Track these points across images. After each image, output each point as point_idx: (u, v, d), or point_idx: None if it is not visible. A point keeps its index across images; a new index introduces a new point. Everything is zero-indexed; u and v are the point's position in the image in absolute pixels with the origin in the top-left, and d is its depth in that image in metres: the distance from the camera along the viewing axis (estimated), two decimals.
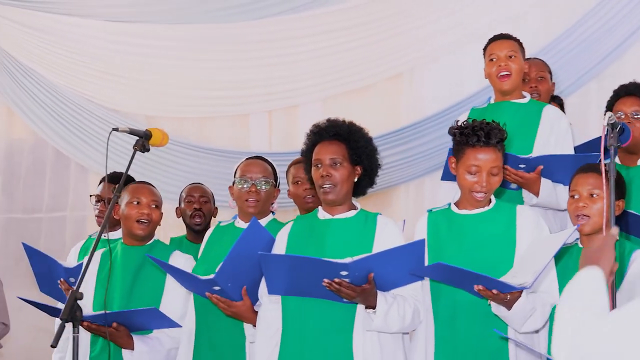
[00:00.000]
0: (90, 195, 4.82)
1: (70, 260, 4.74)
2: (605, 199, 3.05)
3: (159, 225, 4.08)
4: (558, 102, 5.24)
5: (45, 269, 4.41)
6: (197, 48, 6.98)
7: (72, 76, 7.21)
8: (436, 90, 6.42)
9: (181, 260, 3.93)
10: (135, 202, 3.95)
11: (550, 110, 4.30)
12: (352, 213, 3.53)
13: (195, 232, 5.08)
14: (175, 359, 3.87)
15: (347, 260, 3.22)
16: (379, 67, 6.58)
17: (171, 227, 6.16)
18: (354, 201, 3.60)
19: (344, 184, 3.49)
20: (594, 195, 3.42)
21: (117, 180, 4.41)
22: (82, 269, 3.19)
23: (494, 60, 4.27)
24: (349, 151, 3.51)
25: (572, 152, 4.23)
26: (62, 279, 4.33)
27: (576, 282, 2.03)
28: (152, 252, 3.94)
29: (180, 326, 3.80)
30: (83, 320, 3.59)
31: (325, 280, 3.22)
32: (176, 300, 3.89)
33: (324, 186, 3.47)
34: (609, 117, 2.98)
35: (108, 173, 3.65)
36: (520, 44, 4.35)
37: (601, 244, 2.26)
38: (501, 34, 4.39)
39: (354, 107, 6.51)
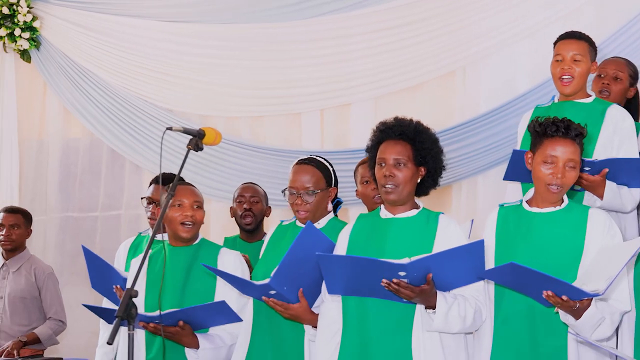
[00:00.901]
0: (142, 198, 4.87)
1: (119, 256, 4.78)
2: None
3: (203, 224, 4.07)
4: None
5: (101, 272, 4.45)
6: (249, 47, 7.01)
7: (127, 76, 7.29)
8: (489, 88, 6.37)
9: (230, 257, 3.95)
10: (177, 205, 3.93)
11: (614, 110, 4.21)
12: (414, 212, 3.51)
13: (248, 232, 5.10)
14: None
15: (405, 260, 3.21)
16: (431, 65, 6.54)
17: (226, 226, 6.20)
18: (417, 200, 3.57)
19: (406, 185, 3.47)
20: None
21: (168, 182, 4.48)
22: (138, 268, 3.22)
23: (559, 61, 4.19)
24: (414, 152, 3.49)
25: (636, 153, 4.13)
26: (117, 286, 4.37)
27: None
28: (199, 251, 3.97)
29: (242, 320, 3.81)
30: (148, 322, 3.65)
31: (384, 280, 3.22)
32: (229, 297, 3.86)
33: (386, 186, 3.46)
34: None
35: (160, 174, 3.68)
36: (591, 44, 4.25)
37: None
38: (572, 32, 4.29)
39: (406, 105, 6.49)
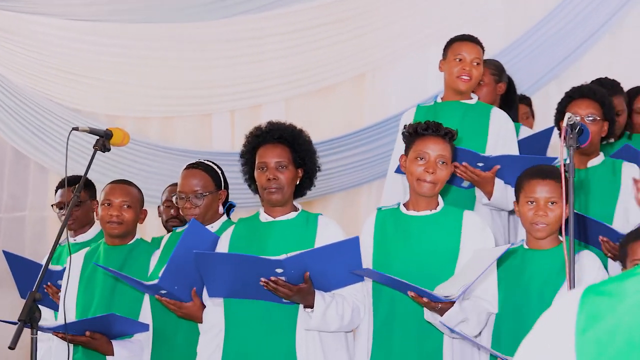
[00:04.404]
0: (52, 205, 4.77)
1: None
2: (565, 201, 3.04)
3: (141, 223, 4.05)
4: (526, 102, 5.26)
5: (28, 275, 4.33)
6: (159, 47, 6.95)
7: (32, 75, 7.15)
8: (399, 90, 6.45)
9: None
10: (106, 204, 3.93)
11: (497, 112, 4.34)
12: (294, 214, 3.56)
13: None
14: None
15: (282, 257, 3.24)
16: (342, 67, 6.59)
17: (153, 225, 6.11)
18: (295, 203, 3.62)
19: (289, 186, 3.52)
20: (552, 204, 3.40)
21: (75, 183, 4.40)
22: (41, 271, 3.16)
23: (460, 60, 4.27)
24: (292, 154, 3.55)
25: (517, 154, 4.26)
26: (48, 283, 4.27)
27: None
28: (133, 251, 3.95)
29: (147, 329, 3.79)
30: (54, 331, 3.61)
31: (262, 279, 3.24)
32: None
33: (270, 188, 3.49)
34: (569, 118, 2.99)
35: (66, 175, 3.61)
36: (484, 53, 4.37)
37: None
38: (471, 36, 4.39)
39: (317, 107, 6.52)
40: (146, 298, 3.87)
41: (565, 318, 1.27)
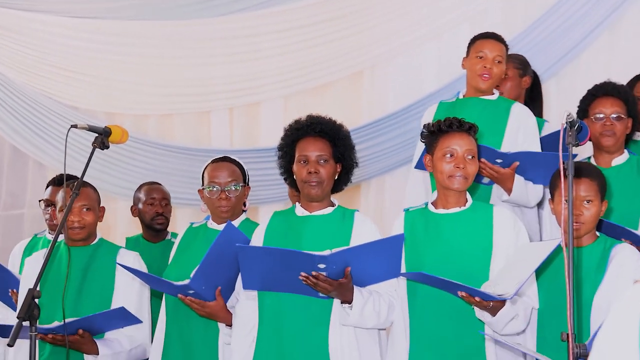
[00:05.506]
0: (40, 200, 4.76)
1: (14, 258, 4.67)
2: (564, 198, 3.03)
3: (100, 221, 4.01)
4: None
5: None
6: (157, 45, 6.94)
7: (31, 72, 7.14)
8: (396, 88, 6.45)
9: (129, 259, 3.90)
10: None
11: (518, 107, 4.32)
12: (330, 209, 3.55)
13: (156, 231, 5.04)
14: (135, 358, 3.86)
15: (326, 252, 3.23)
16: (340, 64, 6.59)
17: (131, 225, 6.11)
18: (332, 198, 3.61)
19: (329, 181, 3.51)
20: (588, 202, 3.40)
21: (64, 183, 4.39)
22: (41, 268, 3.15)
23: (482, 58, 4.26)
24: (333, 149, 3.53)
25: (539, 150, 4.23)
26: (13, 290, 4.26)
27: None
28: (97, 252, 3.93)
29: (142, 322, 3.79)
30: (47, 333, 3.57)
31: (302, 274, 3.22)
32: (128, 298, 3.85)
33: (311, 182, 3.48)
34: (568, 116, 2.99)
35: (65, 173, 3.60)
36: (507, 51, 4.36)
37: None
38: (494, 33, 4.38)
39: (315, 104, 6.51)
40: (115, 297, 3.86)
41: (636, 307, 1.31)
